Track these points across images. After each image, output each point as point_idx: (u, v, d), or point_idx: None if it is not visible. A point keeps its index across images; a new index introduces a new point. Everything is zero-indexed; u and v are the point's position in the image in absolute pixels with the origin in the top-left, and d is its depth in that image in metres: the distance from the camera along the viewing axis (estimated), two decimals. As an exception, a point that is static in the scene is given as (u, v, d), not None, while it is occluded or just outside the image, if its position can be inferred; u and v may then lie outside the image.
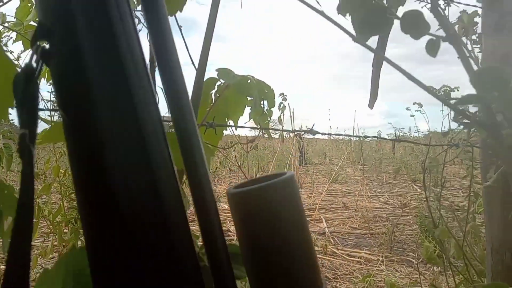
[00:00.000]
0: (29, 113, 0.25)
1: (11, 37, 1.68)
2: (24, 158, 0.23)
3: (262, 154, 5.44)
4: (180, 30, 0.84)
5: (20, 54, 2.00)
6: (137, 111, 0.27)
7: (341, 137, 7.30)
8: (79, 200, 0.26)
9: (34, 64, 0.26)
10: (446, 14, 1.08)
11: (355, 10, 0.60)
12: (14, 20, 1.57)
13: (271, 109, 0.96)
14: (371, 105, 1.21)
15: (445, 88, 1.94)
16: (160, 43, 0.29)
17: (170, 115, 0.30)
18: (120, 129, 0.26)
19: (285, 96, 2.50)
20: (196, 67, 0.78)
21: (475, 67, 0.89)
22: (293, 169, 5.26)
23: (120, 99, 0.26)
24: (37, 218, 2.21)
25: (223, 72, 0.78)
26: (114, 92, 0.26)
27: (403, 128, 6.80)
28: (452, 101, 0.51)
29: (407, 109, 4.12)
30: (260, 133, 0.87)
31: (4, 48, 2.02)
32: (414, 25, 0.56)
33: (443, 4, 1.08)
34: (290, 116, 5.20)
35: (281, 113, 2.43)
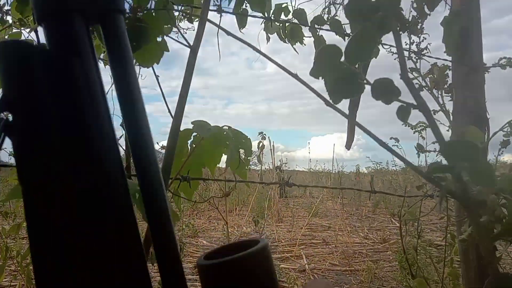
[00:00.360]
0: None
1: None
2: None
3: (243, 187, 5.40)
4: (158, 80, 0.84)
5: None
6: (100, 171, 0.27)
7: (320, 169, 7.34)
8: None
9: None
10: (418, 66, 1.13)
11: (327, 75, 0.62)
12: None
13: (248, 158, 0.95)
14: (348, 146, 1.22)
15: (421, 124, 1.99)
16: (126, 95, 0.29)
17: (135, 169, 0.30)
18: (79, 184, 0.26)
19: (264, 135, 2.52)
20: (173, 115, 0.78)
21: (444, 128, 0.92)
22: (273, 202, 5.23)
23: (83, 163, 0.27)
24: (4, 259, 2.12)
25: (198, 125, 0.78)
26: (77, 157, 0.27)
27: (381, 162, 6.89)
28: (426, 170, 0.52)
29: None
30: (235, 184, 0.86)
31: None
32: (384, 92, 0.57)
33: (415, 57, 1.13)
34: (270, 150, 5.22)
35: (260, 151, 2.43)
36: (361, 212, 5.98)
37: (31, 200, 0.27)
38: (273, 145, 5.38)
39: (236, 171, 0.89)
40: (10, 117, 0.27)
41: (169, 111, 0.84)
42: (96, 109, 0.28)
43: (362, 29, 0.59)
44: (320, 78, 0.64)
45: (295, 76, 0.62)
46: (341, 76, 0.62)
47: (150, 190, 0.28)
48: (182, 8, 0.83)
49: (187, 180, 0.75)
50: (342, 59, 0.63)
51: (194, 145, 0.83)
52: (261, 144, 2.38)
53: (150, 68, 0.86)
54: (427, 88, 1.15)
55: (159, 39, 0.80)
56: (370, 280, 3.32)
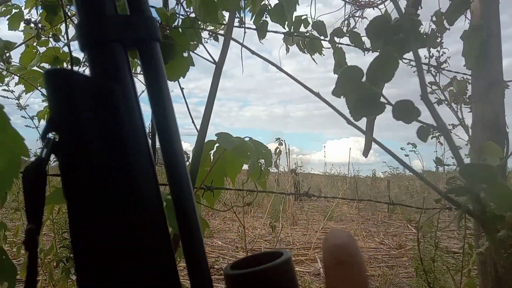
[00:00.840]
0: (36, 209, 0.28)
1: (13, 77, 1.72)
2: (29, 250, 0.26)
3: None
4: (183, 93, 0.88)
5: (21, 94, 2.04)
6: (136, 189, 0.29)
7: (336, 173, 7.29)
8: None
9: (44, 156, 0.28)
10: (437, 80, 1.13)
11: (349, 94, 0.64)
12: (18, 64, 1.61)
13: (268, 168, 0.98)
14: (365, 153, 1.24)
15: (434, 135, 1.98)
16: (161, 113, 0.31)
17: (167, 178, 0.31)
18: (119, 208, 0.29)
19: (281, 141, 2.56)
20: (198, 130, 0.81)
21: (463, 142, 0.92)
22: (288, 205, 5.23)
23: (122, 180, 0.29)
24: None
25: (222, 138, 0.81)
26: (117, 174, 0.29)
27: (397, 167, 6.81)
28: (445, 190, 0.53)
29: (402, 148, 4.15)
30: (256, 194, 0.88)
31: (5, 87, 2.04)
32: (405, 112, 0.59)
33: (434, 71, 1.14)
34: (286, 153, 5.23)
35: (277, 157, 2.47)
36: (377, 217, 5.93)
37: (74, 213, 0.29)
38: (288, 148, 5.39)
39: (256, 180, 0.92)
40: (57, 138, 0.29)
41: (194, 124, 0.87)
42: (134, 130, 0.30)
43: (383, 51, 0.61)
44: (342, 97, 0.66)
45: (317, 94, 0.64)
46: (362, 96, 0.64)
47: (181, 200, 0.30)
48: (209, 26, 0.87)
49: (211, 189, 0.78)
50: (364, 79, 0.65)
51: (217, 156, 0.86)
52: (278, 149, 2.42)
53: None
54: (446, 102, 1.16)
55: (185, 54, 0.83)
56: (386, 286, 3.30)
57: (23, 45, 1.50)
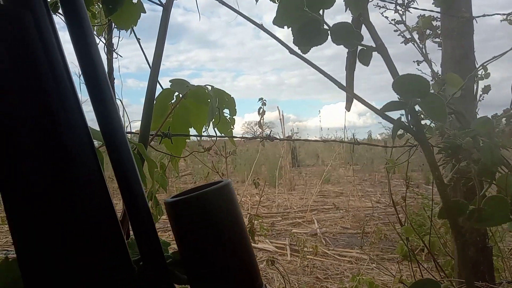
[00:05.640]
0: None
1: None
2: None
3: (254, 158, 5.44)
4: (139, 42, 0.86)
5: None
6: (59, 130, 0.27)
7: (333, 137, 7.31)
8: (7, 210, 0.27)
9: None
10: (404, 19, 1.11)
11: (292, 23, 0.63)
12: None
13: (233, 117, 0.98)
14: (348, 107, 1.24)
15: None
16: (85, 54, 0.29)
17: (99, 128, 0.30)
18: (42, 149, 0.26)
19: (264, 101, 2.53)
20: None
21: (428, 78, 0.91)
22: (284, 171, 5.27)
23: (40, 120, 0.26)
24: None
25: (176, 83, 0.80)
26: (35, 116, 0.26)
27: (393, 127, 6.79)
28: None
29: (396, 108, 4.13)
30: (216, 139, 0.89)
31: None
32: (345, 36, 0.58)
33: (401, 10, 1.11)
34: (280, 119, 5.22)
35: (261, 117, 2.45)
36: (373, 177, 5.99)
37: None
38: (282, 115, 5.37)
39: (220, 129, 0.92)
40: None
41: (149, 64, 0.84)
42: (51, 64, 0.27)
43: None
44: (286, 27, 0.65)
45: (260, 26, 0.63)
46: (304, 24, 0.62)
47: (115, 151, 0.29)
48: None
49: (168, 136, 0.78)
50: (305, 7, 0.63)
51: (175, 104, 0.85)
52: (261, 110, 2.40)
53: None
54: (413, 42, 1.14)
55: (134, 0, 0.82)
56: (381, 241, 3.37)
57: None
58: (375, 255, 3.10)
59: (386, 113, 0.61)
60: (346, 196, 4.87)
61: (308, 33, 0.63)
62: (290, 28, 0.66)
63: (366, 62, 0.58)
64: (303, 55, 0.68)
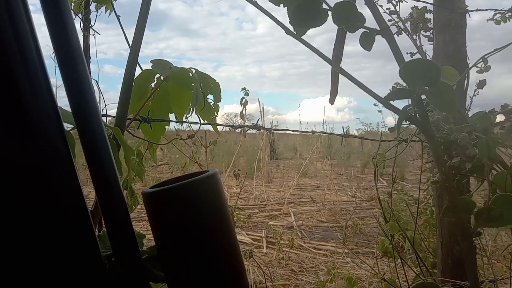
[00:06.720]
0: None
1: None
2: None
3: (233, 150, 5.41)
4: (119, 20, 0.79)
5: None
6: (24, 109, 0.25)
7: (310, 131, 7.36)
8: None
9: None
10: (398, 10, 1.08)
11: (289, 1, 0.57)
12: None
13: (218, 103, 0.92)
14: (331, 100, 1.19)
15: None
16: (60, 35, 0.26)
17: (71, 109, 0.27)
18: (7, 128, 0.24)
19: (247, 91, 2.47)
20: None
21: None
22: (263, 163, 5.26)
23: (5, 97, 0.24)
24: None
25: (158, 64, 0.74)
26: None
27: (370, 124, 6.92)
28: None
29: (375, 105, 4.16)
30: (199, 126, 0.83)
31: None
32: (347, 16, 0.53)
33: (395, 1, 1.08)
34: (260, 112, 5.18)
35: (243, 108, 2.39)
36: (350, 172, 6.06)
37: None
38: (263, 108, 5.33)
39: (202, 115, 0.86)
40: None
41: (128, 43, 0.78)
42: (21, 46, 0.25)
43: None
44: (282, 6, 0.60)
45: (254, 3, 0.57)
46: (302, 2, 0.57)
47: (90, 139, 0.27)
48: None
49: (147, 121, 0.72)
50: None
51: (156, 87, 0.79)
52: (243, 100, 2.34)
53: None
54: (407, 33, 1.11)
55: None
56: (356, 235, 3.40)
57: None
58: (350, 249, 3.13)
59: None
60: (322, 190, 4.90)
61: (306, 13, 0.57)
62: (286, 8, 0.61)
63: (368, 47, 0.54)
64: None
